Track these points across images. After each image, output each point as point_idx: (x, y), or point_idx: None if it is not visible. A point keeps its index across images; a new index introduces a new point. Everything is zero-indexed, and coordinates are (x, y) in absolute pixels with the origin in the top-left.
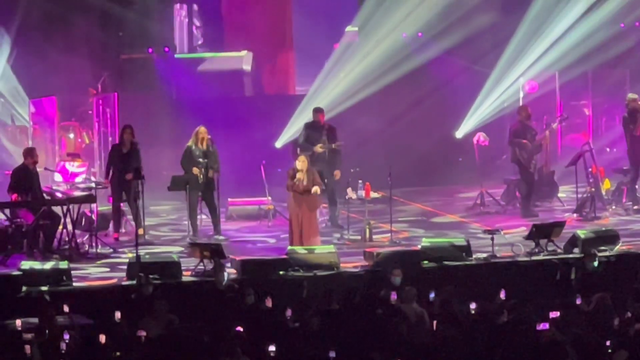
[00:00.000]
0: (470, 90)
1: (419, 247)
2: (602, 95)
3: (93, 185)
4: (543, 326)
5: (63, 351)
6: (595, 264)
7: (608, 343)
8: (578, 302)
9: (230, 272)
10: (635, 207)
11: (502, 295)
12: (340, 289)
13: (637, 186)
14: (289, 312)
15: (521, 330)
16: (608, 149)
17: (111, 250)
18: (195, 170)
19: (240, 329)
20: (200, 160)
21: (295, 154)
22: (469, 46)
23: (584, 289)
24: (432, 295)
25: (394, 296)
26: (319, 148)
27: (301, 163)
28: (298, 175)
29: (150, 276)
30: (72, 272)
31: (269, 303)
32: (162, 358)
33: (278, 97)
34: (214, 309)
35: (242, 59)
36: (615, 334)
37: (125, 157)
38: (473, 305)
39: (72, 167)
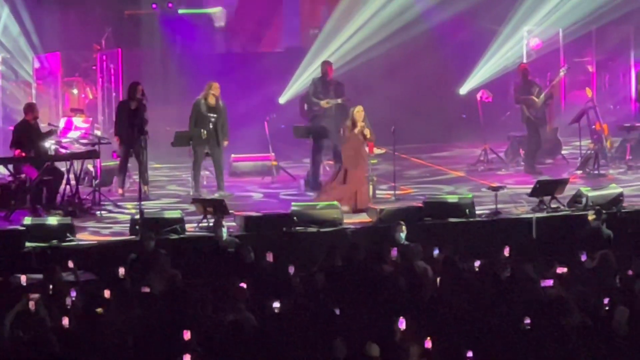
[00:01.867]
0: (475, 47)
1: (423, 203)
2: (605, 53)
3: (96, 140)
4: (547, 282)
5: (69, 307)
6: (600, 221)
7: (606, 301)
8: (583, 258)
9: (229, 228)
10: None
11: (506, 252)
12: (343, 245)
13: None
14: (291, 269)
15: (524, 286)
16: (612, 106)
17: (115, 206)
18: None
19: (244, 285)
20: (209, 115)
21: (303, 110)
22: (476, 3)
23: (587, 246)
24: (436, 251)
25: (394, 252)
26: (325, 103)
27: (359, 113)
28: (359, 125)
29: (153, 232)
30: (76, 227)
31: (270, 258)
32: (165, 314)
33: (277, 54)
34: (217, 265)
35: (215, 16)
36: (618, 291)
37: (134, 113)
38: (477, 262)
39: (77, 122)
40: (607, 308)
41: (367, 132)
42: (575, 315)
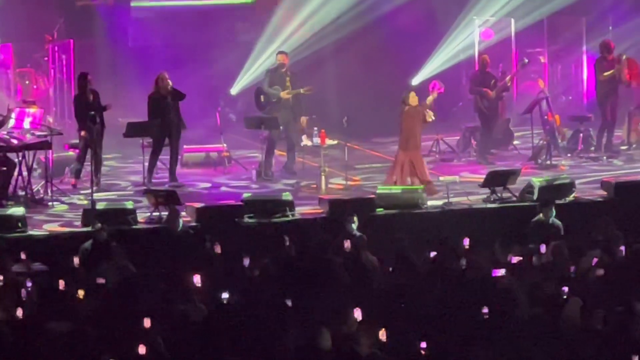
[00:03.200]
0: (427, 38)
1: (374, 194)
2: (558, 44)
3: (49, 131)
4: (497, 272)
5: (24, 298)
6: (553, 212)
7: (566, 289)
8: (542, 250)
9: (184, 219)
10: (605, 155)
11: (466, 243)
12: (295, 236)
13: (605, 133)
14: (246, 260)
15: (477, 277)
16: (564, 97)
17: (67, 196)
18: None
19: (197, 276)
20: (164, 105)
21: (259, 102)
22: None
23: (538, 237)
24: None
25: (347, 243)
26: (285, 94)
27: (414, 98)
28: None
29: (105, 223)
30: (28, 218)
31: (218, 249)
32: (118, 305)
33: (229, 43)
34: (169, 256)
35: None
36: (571, 282)
37: (91, 105)
38: (429, 253)
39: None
40: (564, 297)
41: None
42: (525, 307)
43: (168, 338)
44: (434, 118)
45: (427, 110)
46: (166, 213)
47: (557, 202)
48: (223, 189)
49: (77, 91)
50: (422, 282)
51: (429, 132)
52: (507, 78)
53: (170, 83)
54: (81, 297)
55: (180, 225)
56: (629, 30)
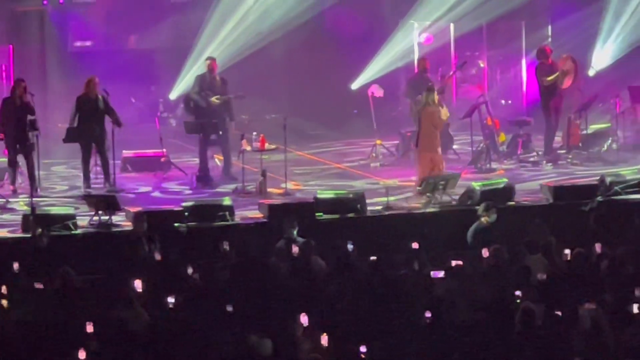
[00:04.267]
0: (367, 42)
1: (314, 199)
2: (497, 48)
3: None
4: (437, 274)
5: None
6: (494, 216)
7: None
8: (485, 254)
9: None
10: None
11: (415, 246)
12: (235, 240)
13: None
14: (186, 265)
15: (416, 281)
16: (503, 101)
17: (5, 201)
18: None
19: (138, 281)
20: (95, 109)
21: (188, 106)
22: None
23: (478, 241)
24: (350, 246)
25: (295, 249)
26: (215, 100)
27: (436, 97)
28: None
29: (45, 228)
30: None
31: (158, 255)
32: (58, 310)
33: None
34: (110, 261)
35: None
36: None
37: (19, 110)
38: (370, 258)
39: None
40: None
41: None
42: (464, 311)
43: (108, 343)
44: (449, 115)
45: (441, 108)
46: (106, 218)
47: (497, 206)
48: (156, 194)
49: (8, 95)
50: (362, 287)
51: (369, 137)
52: (448, 80)
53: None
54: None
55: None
56: (568, 35)
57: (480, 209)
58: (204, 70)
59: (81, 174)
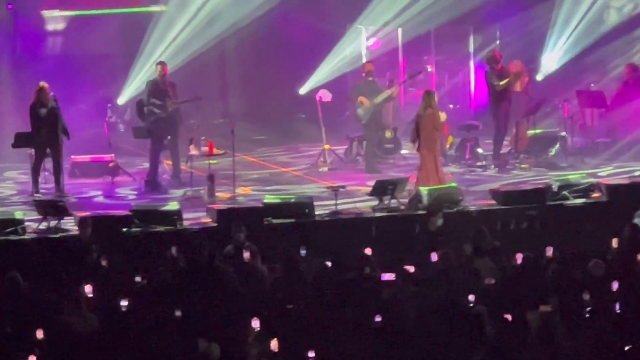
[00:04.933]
0: (315, 47)
1: (262, 204)
2: (445, 52)
3: None
4: (386, 278)
5: None
6: (440, 221)
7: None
8: (434, 258)
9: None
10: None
11: (368, 251)
12: (183, 245)
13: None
14: (133, 270)
15: (366, 286)
16: (451, 106)
17: None
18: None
19: (88, 286)
20: (46, 116)
21: (141, 113)
22: (311, 2)
23: (427, 245)
24: (303, 251)
25: (246, 254)
26: (171, 105)
27: (435, 100)
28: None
29: None
30: None
31: (105, 260)
32: (6, 317)
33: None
34: (58, 266)
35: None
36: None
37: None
38: (319, 262)
39: None
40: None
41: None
42: (414, 315)
43: (58, 349)
44: (445, 117)
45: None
46: (55, 223)
47: (445, 210)
48: (99, 199)
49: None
50: (311, 291)
51: (317, 142)
52: (393, 88)
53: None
54: None
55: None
56: (516, 39)
57: (427, 213)
58: (154, 75)
59: (30, 179)
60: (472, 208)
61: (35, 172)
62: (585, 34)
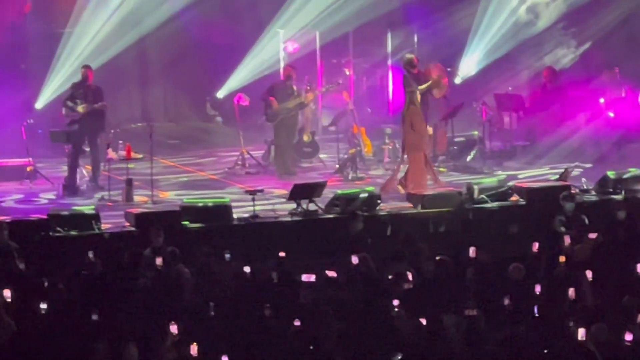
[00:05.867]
0: (233, 51)
1: (180, 207)
2: (363, 55)
3: None
4: (304, 282)
5: None
6: (360, 225)
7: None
8: (355, 261)
9: None
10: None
11: (282, 254)
12: (102, 249)
13: None
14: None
15: (284, 290)
16: (369, 109)
17: None
18: None
19: (7, 290)
20: None
21: (61, 114)
22: (228, 5)
23: (345, 249)
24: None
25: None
26: (81, 109)
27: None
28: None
29: None
30: None
31: (22, 266)
32: None
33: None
34: None
35: None
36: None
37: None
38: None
39: None
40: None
41: None
42: (332, 319)
43: None
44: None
45: None
46: None
47: (364, 214)
48: (15, 203)
49: None
50: (231, 295)
51: (235, 145)
52: (306, 95)
53: None
54: None
55: None
56: (433, 42)
57: (346, 217)
58: (79, 78)
59: None
60: (392, 211)
61: None
62: (505, 38)
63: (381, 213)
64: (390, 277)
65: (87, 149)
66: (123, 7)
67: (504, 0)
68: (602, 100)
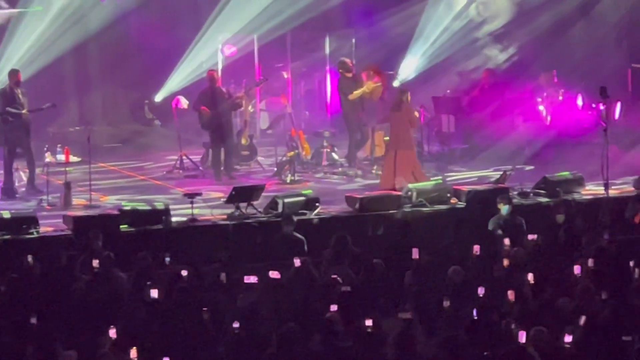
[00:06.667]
0: (171, 55)
1: (119, 211)
2: (301, 58)
3: None
4: (244, 285)
5: None
6: (291, 227)
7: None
8: (297, 263)
9: None
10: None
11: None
12: (40, 253)
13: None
14: None
15: (223, 293)
16: (307, 112)
17: None
18: None
19: None
20: None
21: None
22: (167, 8)
23: (282, 252)
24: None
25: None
26: (26, 112)
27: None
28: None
29: None
30: None
31: None
32: None
33: None
34: None
35: None
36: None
37: None
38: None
39: None
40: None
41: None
42: (272, 322)
43: None
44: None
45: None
46: None
47: (301, 217)
48: None
49: None
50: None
51: (173, 149)
52: (240, 94)
53: None
54: None
55: None
56: (371, 45)
57: (283, 219)
58: (6, 83)
59: None
60: (331, 214)
61: None
62: (451, 41)
63: (322, 216)
64: (328, 280)
65: (19, 150)
66: (65, 11)
67: (449, 4)
68: (540, 103)
